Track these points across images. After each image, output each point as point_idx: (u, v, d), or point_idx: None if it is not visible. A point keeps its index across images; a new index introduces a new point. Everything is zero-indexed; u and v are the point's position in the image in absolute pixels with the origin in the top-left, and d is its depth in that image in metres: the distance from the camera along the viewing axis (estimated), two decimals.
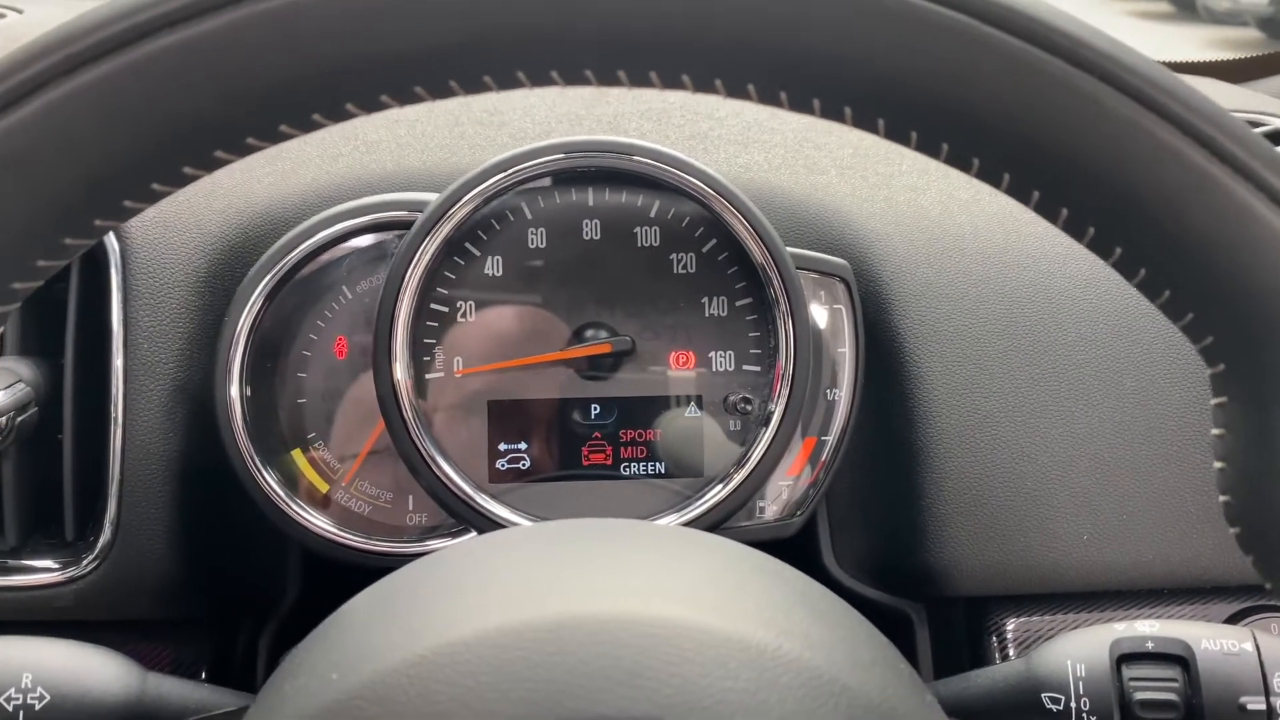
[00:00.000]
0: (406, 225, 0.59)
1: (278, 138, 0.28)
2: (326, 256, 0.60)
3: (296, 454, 0.60)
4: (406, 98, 0.27)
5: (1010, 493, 0.62)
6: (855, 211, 0.66)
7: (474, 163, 0.59)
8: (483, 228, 0.59)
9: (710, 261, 0.60)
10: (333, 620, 0.36)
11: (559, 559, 0.35)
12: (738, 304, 0.60)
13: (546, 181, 0.59)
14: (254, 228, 0.61)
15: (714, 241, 0.60)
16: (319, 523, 0.58)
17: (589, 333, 0.60)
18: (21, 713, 0.46)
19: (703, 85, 0.27)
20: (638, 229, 0.60)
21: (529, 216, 0.60)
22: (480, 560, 0.35)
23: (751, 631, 0.30)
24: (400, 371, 0.57)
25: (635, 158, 0.57)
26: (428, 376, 0.59)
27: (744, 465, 0.58)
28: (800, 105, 0.27)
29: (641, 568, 0.34)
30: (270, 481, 0.58)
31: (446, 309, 0.59)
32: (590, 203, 0.60)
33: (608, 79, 0.27)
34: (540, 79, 0.27)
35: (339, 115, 0.28)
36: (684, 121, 0.74)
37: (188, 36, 0.26)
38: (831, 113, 0.27)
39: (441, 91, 0.27)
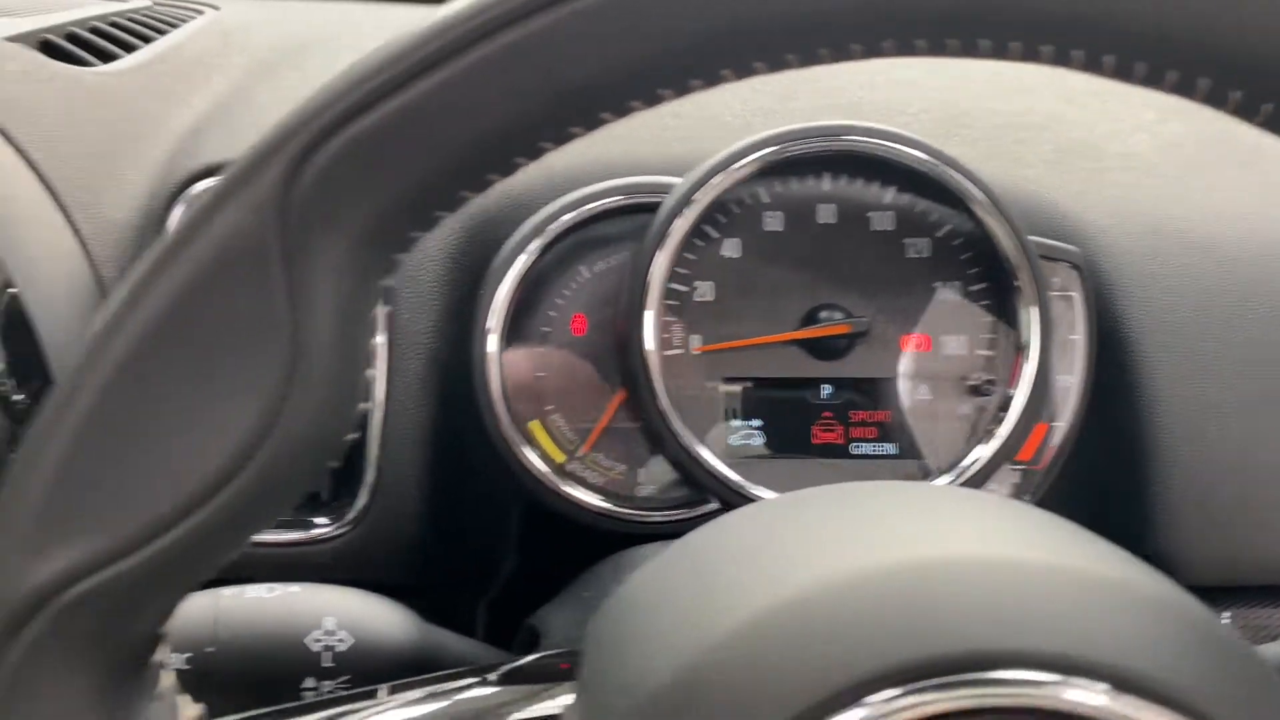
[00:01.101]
0: (646, 208, 0.61)
1: (662, 98, 0.29)
2: (571, 237, 0.62)
3: (534, 425, 0.63)
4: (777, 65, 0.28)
5: (1237, 484, 0.61)
6: (1070, 204, 0.67)
7: (689, 152, 0.62)
8: (722, 211, 0.61)
9: (944, 246, 0.62)
10: (680, 561, 0.36)
11: (898, 508, 0.35)
12: (971, 289, 0.61)
13: (786, 165, 0.61)
14: (500, 208, 0.64)
15: (949, 226, 0.61)
16: (575, 492, 0.60)
17: (823, 314, 0.61)
18: (327, 653, 0.49)
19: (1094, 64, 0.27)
20: (872, 213, 0.62)
21: (766, 200, 0.62)
22: (825, 508, 0.36)
23: (1107, 569, 0.30)
24: (650, 347, 0.59)
25: (886, 143, 0.59)
26: (666, 353, 0.61)
27: (982, 449, 0.59)
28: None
29: (979, 518, 0.34)
30: (525, 448, 0.60)
31: (686, 289, 0.61)
32: (826, 187, 0.62)
33: (993, 51, 0.28)
34: (905, 48, 0.28)
35: (715, 80, 0.29)
36: (875, 115, 0.75)
37: None
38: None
39: (811, 60, 0.28)
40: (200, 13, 0.90)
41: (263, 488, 0.30)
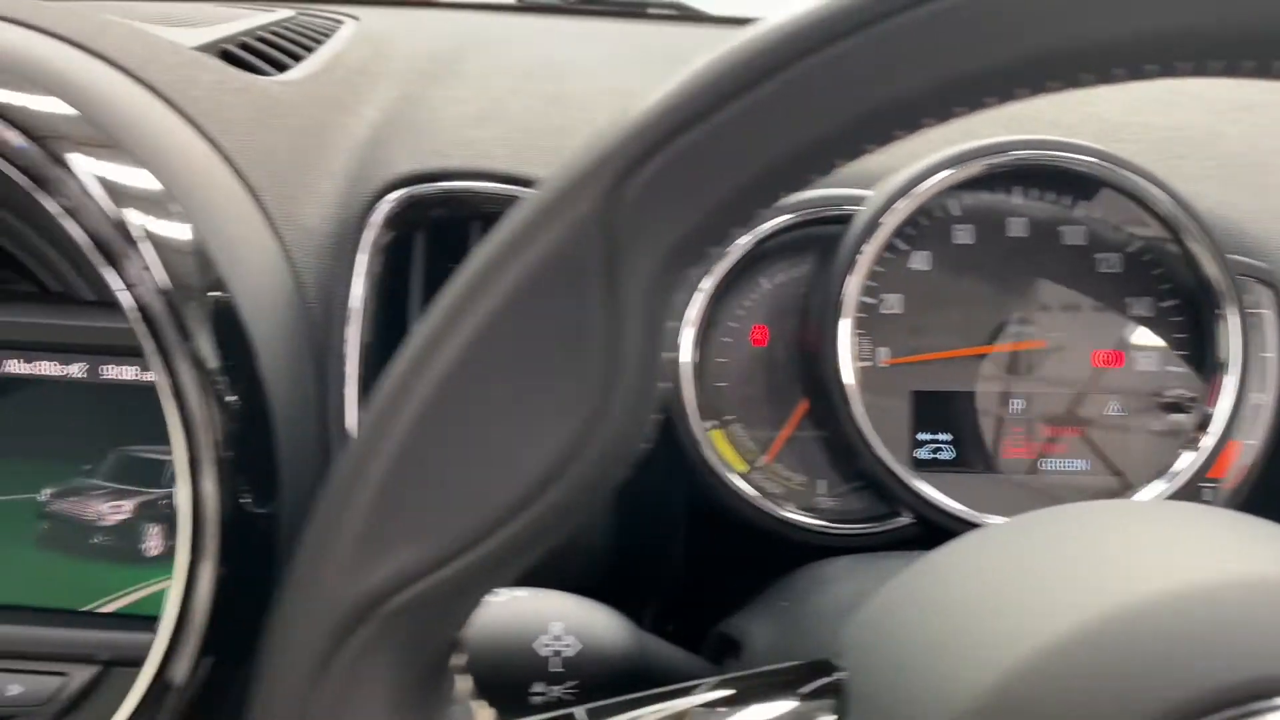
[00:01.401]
0: (832, 220, 0.61)
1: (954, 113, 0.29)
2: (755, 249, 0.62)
3: (715, 434, 0.63)
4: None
5: None
6: (1245, 219, 0.67)
7: (869, 164, 0.61)
8: (911, 223, 0.61)
9: (1135, 261, 0.61)
10: (957, 576, 0.36)
11: (1179, 526, 0.35)
12: (1163, 304, 0.61)
13: (977, 179, 0.61)
14: None
15: (1141, 242, 0.61)
16: (770, 503, 0.61)
17: (1014, 328, 0.61)
18: (556, 658, 0.49)
19: None
20: (1063, 228, 0.62)
21: (956, 213, 0.62)
22: (1096, 525, 0.35)
23: None
24: (844, 360, 0.59)
25: (1085, 158, 0.58)
26: (855, 365, 0.61)
27: (1182, 466, 0.58)
28: None
29: (1250, 536, 0.34)
30: (716, 455, 0.61)
31: (874, 301, 0.62)
32: (1017, 201, 0.62)
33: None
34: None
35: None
36: (1034, 128, 0.75)
37: (930, 11, 0.27)
38: None
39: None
40: (340, 22, 0.91)
41: (571, 498, 0.30)
